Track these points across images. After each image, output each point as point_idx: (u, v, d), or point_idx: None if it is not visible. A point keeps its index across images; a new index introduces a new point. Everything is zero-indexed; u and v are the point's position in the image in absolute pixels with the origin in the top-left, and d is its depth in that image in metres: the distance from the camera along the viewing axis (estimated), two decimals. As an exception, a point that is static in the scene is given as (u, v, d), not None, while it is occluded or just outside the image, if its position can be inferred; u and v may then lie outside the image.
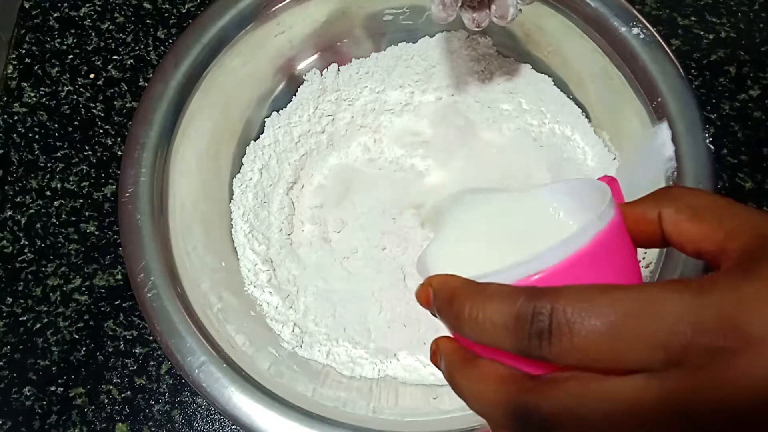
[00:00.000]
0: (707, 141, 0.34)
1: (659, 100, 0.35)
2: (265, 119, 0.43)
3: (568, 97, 0.42)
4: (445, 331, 0.21)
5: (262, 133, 0.43)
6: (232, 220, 0.41)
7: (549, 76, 0.43)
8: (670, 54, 0.36)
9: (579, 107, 0.42)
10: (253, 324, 0.37)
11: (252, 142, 0.43)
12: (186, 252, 0.36)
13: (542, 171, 0.41)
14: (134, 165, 0.35)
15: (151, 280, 0.33)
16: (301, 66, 0.44)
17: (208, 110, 0.39)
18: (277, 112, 0.44)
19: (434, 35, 0.44)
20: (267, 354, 0.36)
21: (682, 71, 0.35)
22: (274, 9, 0.40)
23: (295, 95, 0.44)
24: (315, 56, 0.44)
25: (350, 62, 0.45)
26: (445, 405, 0.35)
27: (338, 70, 0.44)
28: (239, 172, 0.42)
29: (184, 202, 0.37)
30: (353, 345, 0.38)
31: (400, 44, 0.44)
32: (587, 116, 0.42)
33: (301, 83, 0.44)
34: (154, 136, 0.36)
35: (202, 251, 0.37)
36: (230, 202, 0.41)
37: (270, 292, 0.39)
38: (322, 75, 0.44)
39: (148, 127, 0.36)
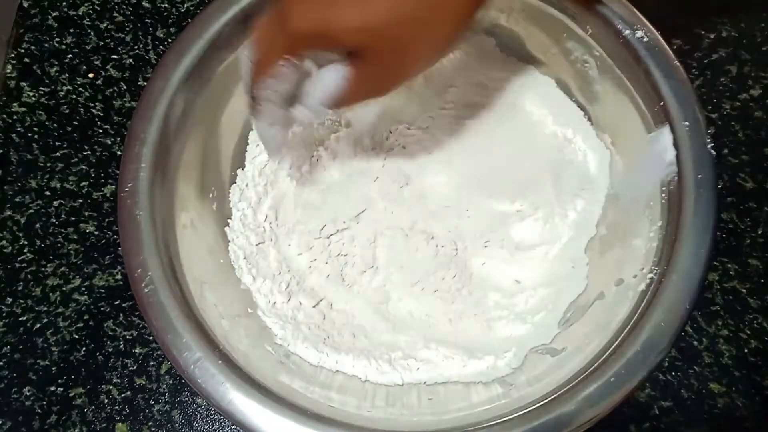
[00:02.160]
0: (709, 146, 0.34)
1: (662, 104, 0.35)
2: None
3: (571, 99, 0.42)
4: None
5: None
6: (230, 217, 0.41)
7: (551, 78, 0.43)
8: (674, 58, 0.36)
9: (581, 109, 0.42)
10: (250, 321, 0.37)
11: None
12: (184, 248, 0.36)
13: (543, 173, 0.41)
14: (134, 160, 0.35)
15: (148, 275, 0.33)
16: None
17: (208, 107, 0.39)
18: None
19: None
20: (263, 351, 0.36)
21: (685, 75, 0.35)
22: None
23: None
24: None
25: None
26: (441, 405, 0.35)
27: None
28: (239, 168, 0.42)
29: (183, 198, 0.37)
30: (349, 344, 0.38)
31: None
32: (589, 119, 0.42)
33: None
34: (154, 131, 0.36)
35: (200, 248, 0.37)
36: (229, 199, 0.41)
37: (268, 290, 0.39)
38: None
39: (148, 123, 0.36)
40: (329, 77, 0.32)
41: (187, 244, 0.36)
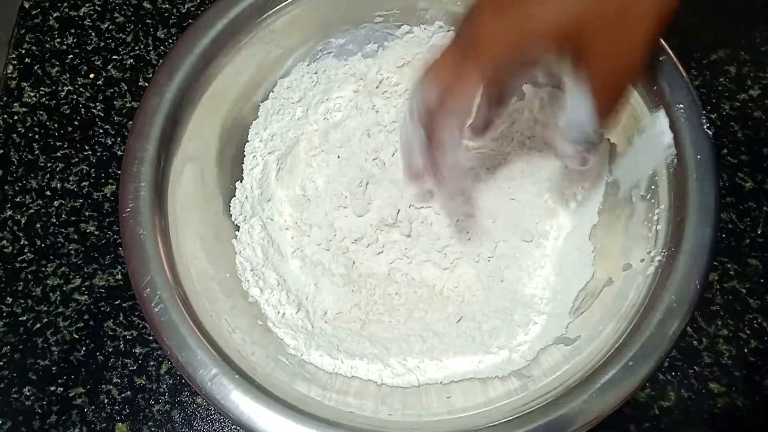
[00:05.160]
0: (705, 126, 0.34)
1: (655, 88, 0.35)
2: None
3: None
4: None
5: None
6: (235, 230, 0.40)
7: None
8: (663, 43, 0.36)
9: None
10: (261, 333, 0.37)
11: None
12: (191, 264, 0.36)
13: (541, 157, 0.41)
14: (133, 179, 0.35)
15: (157, 294, 0.32)
16: (295, 72, 0.44)
17: (204, 120, 0.39)
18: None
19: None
20: (277, 362, 0.36)
21: (675, 58, 0.35)
22: (265, 17, 0.40)
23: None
24: (308, 61, 0.44)
25: (344, 65, 0.45)
26: (459, 403, 0.35)
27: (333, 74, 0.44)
28: (237, 181, 0.42)
29: (185, 214, 0.37)
30: (362, 350, 0.38)
31: (393, 45, 0.44)
32: None
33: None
34: (152, 149, 0.35)
35: (205, 262, 0.37)
36: (231, 213, 0.41)
37: (277, 301, 0.39)
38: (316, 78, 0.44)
39: (145, 141, 0.35)
40: (582, 97, 0.28)
41: (192, 260, 0.36)
